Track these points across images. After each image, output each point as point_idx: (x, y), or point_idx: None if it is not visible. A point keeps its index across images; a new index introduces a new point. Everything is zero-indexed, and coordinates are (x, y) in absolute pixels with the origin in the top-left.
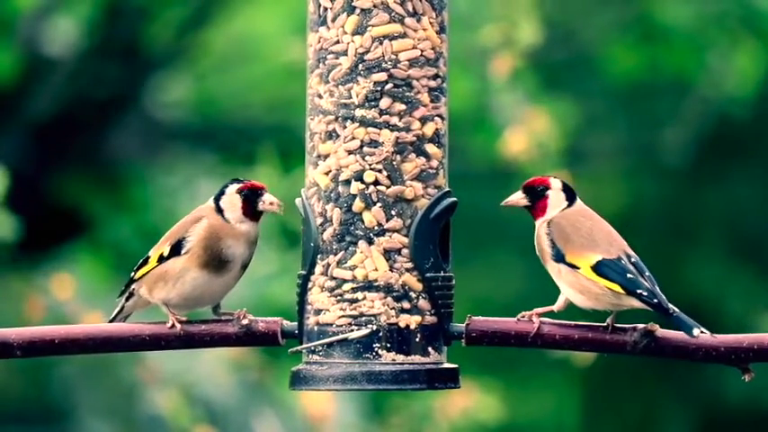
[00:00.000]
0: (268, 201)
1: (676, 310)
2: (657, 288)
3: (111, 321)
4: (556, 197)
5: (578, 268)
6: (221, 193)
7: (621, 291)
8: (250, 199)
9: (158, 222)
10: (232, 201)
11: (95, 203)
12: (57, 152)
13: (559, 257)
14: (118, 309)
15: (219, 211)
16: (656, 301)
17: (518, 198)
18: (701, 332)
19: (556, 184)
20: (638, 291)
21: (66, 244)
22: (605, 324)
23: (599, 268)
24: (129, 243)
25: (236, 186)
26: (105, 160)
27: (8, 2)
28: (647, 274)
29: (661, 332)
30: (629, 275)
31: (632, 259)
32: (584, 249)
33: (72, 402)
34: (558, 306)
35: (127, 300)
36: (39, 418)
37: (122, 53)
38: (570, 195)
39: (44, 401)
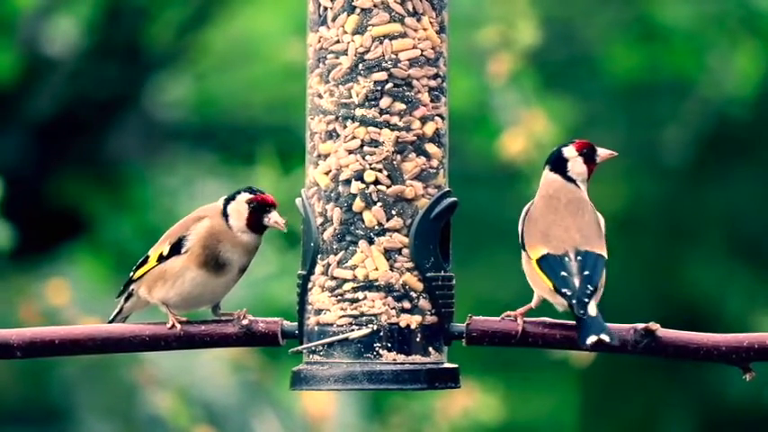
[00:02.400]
0: (273, 219)
1: (592, 315)
2: (591, 289)
3: (110, 322)
4: (547, 175)
5: (530, 259)
6: (232, 197)
7: (551, 288)
8: (257, 212)
9: (158, 222)
10: (239, 209)
11: (95, 204)
12: (57, 152)
13: (523, 245)
14: (117, 309)
15: (225, 215)
16: (573, 302)
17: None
18: (599, 340)
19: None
20: (563, 290)
21: (67, 244)
22: None
23: (540, 262)
24: (129, 243)
25: (246, 196)
26: (105, 160)
27: (8, 2)
28: (585, 273)
29: (662, 332)
30: (562, 273)
31: (579, 257)
32: (536, 242)
33: (72, 402)
34: (534, 302)
35: (126, 300)
36: (39, 418)
37: (122, 53)
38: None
39: (44, 402)
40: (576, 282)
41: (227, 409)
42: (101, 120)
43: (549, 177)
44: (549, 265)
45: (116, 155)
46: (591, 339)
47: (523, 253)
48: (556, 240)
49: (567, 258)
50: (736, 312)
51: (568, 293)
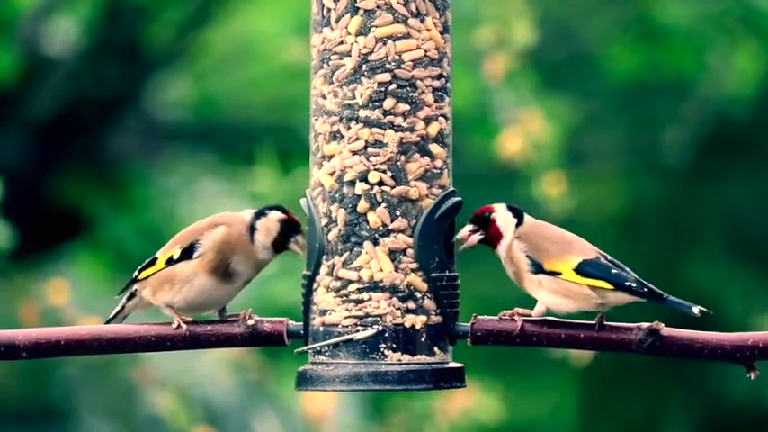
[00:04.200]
0: (300, 242)
1: (668, 295)
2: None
3: (109, 320)
4: (503, 216)
5: (560, 274)
6: (262, 213)
7: (609, 287)
8: (286, 233)
9: (159, 222)
10: (269, 226)
11: (95, 203)
12: (57, 152)
13: (537, 268)
14: (118, 308)
15: (252, 229)
16: (646, 290)
17: (467, 232)
18: (701, 310)
19: (500, 207)
20: (627, 283)
21: (66, 244)
22: (594, 323)
23: (582, 269)
24: (129, 243)
25: (279, 215)
26: (105, 160)
27: (8, 2)
28: (627, 269)
29: (666, 330)
30: (613, 270)
31: (608, 257)
32: (562, 254)
33: (72, 403)
34: (536, 313)
35: (128, 300)
36: (39, 418)
37: (122, 53)
38: (517, 213)
39: (44, 401)
40: (630, 274)
41: (227, 409)
42: (101, 119)
43: (531, 220)
44: (594, 267)
45: (116, 155)
46: (696, 309)
47: (540, 276)
48: (580, 247)
49: (602, 259)
50: (736, 312)
51: (634, 286)
